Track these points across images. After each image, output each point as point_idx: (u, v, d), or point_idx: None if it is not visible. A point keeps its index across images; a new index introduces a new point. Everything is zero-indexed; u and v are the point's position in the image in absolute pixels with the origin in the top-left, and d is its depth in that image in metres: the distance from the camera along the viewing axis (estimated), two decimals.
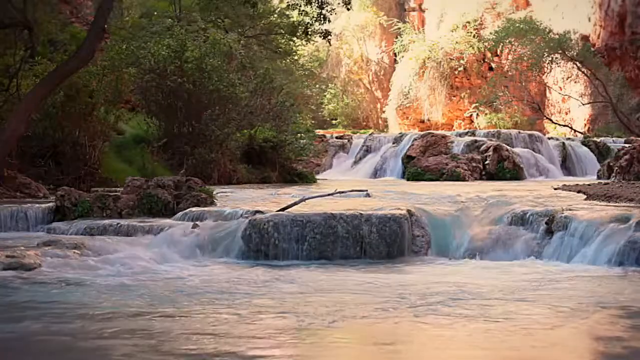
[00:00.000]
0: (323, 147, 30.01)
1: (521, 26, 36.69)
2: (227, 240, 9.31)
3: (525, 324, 5.67)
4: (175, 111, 20.26)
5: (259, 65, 25.07)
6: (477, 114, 42.03)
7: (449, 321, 5.78)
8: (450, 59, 43.42)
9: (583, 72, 35.83)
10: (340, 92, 48.66)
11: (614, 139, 29.75)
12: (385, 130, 44.64)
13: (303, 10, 21.06)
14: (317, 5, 19.80)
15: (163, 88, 20.01)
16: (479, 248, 9.41)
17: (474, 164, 24.99)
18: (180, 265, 8.43)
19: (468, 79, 43.81)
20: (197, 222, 10.04)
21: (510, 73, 39.06)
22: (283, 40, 30.07)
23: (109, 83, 17.89)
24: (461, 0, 44.07)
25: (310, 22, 21.44)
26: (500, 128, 34.14)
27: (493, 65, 43.10)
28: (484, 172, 24.98)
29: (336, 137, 32.43)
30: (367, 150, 29.66)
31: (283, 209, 10.00)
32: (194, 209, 11.11)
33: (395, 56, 47.95)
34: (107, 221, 10.75)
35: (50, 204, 11.71)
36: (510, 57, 39.48)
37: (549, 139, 29.41)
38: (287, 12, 28.50)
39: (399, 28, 47.06)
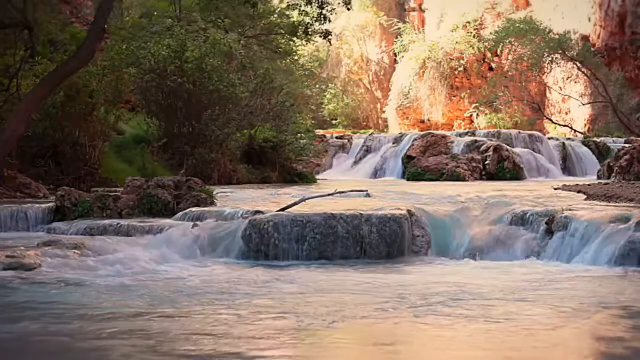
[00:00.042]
0: (323, 147, 30.00)
1: (521, 26, 36.69)
2: (227, 240, 9.30)
3: (527, 324, 5.66)
4: (175, 111, 20.25)
5: (259, 65, 25.06)
6: (477, 114, 42.02)
7: (449, 321, 5.77)
8: (450, 59, 43.42)
9: (583, 72, 35.83)
10: (340, 92, 48.66)
11: (614, 139, 29.74)
12: (385, 130, 44.64)
13: (303, 10, 21.07)
14: (317, 5, 19.80)
15: (163, 88, 20.00)
16: (479, 248, 9.41)
17: (474, 164, 24.99)
18: (180, 266, 8.43)
19: (468, 79, 43.81)
20: (197, 222, 10.03)
21: (510, 73, 39.05)
22: (283, 40, 30.06)
23: (109, 83, 17.88)
24: (461, 0, 44.06)
25: (311, 22, 21.44)
26: (500, 128, 34.14)
27: (493, 65, 43.10)
28: (484, 172, 24.98)
29: (336, 137, 32.42)
30: (367, 150, 29.65)
31: (283, 209, 9.99)
32: (194, 209, 11.10)
33: (395, 56, 47.95)
34: (107, 221, 10.74)
35: (50, 204, 11.71)
36: (510, 57, 39.47)
37: (549, 139, 29.40)
38: (287, 12, 28.52)
39: (399, 28, 47.06)
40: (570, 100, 37.74)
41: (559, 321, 5.82)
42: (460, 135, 29.10)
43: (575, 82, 37.98)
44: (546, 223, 9.42)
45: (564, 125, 37.53)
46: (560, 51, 35.01)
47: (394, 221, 9.41)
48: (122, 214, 11.47)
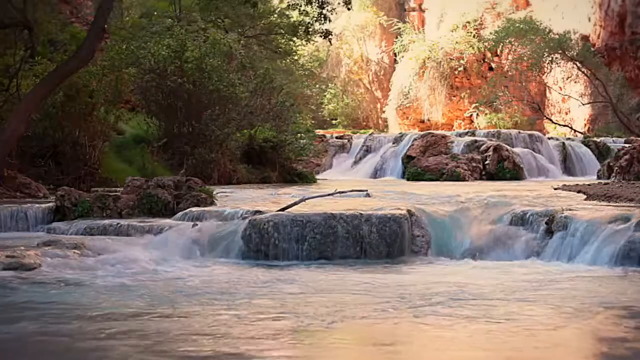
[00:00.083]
0: (323, 147, 29.99)
1: (521, 26, 36.68)
2: (227, 240, 9.30)
3: (528, 325, 5.65)
4: (175, 111, 20.25)
5: (259, 65, 25.05)
6: (477, 114, 42.02)
7: (449, 322, 5.76)
8: (450, 59, 43.41)
9: (583, 72, 35.82)
10: (340, 92, 48.65)
11: (614, 139, 29.73)
12: (385, 130, 44.63)
13: (304, 10, 21.06)
14: (317, 5, 19.79)
15: (163, 88, 19.99)
16: (479, 248, 9.40)
17: (474, 164, 24.98)
18: (180, 266, 8.42)
19: (468, 79, 43.80)
20: (197, 222, 10.03)
21: (510, 73, 39.04)
22: (283, 40, 30.06)
23: (109, 83, 17.87)
24: (461, 0, 44.05)
25: (311, 22, 21.44)
26: (500, 128, 34.13)
27: (493, 65, 43.09)
28: (484, 172, 24.97)
29: (336, 137, 32.41)
30: (367, 150, 29.64)
31: (283, 209, 9.98)
32: (194, 209, 11.09)
33: (395, 56, 47.94)
34: (107, 221, 10.74)
35: (50, 204, 11.70)
36: (510, 57, 39.47)
37: (549, 139, 29.39)
38: (287, 12, 28.50)
39: (399, 28, 47.06)
40: (570, 100, 37.73)
41: (561, 321, 5.81)
42: (460, 135, 29.10)
43: (575, 82, 37.98)
44: (546, 223, 9.41)
45: (564, 125, 37.53)
46: (560, 51, 35.00)
47: (394, 221, 9.40)
48: (122, 214, 11.47)
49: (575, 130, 36.17)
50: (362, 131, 39.33)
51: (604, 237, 8.72)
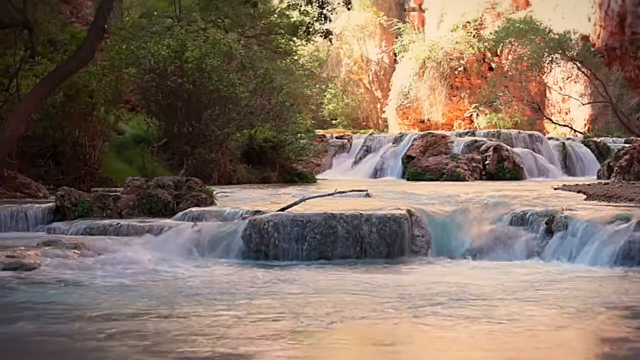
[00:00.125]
0: (323, 147, 29.98)
1: (521, 26, 36.67)
2: (227, 241, 9.29)
3: (529, 325, 5.63)
4: (175, 111, 20.24)
5: (259, 65, 25.04)
6: (477, 114, 42.01)
7: (450, 322, 5.75)
8: (450, 59, 43.40)
9: (583, 72, 35.81)
10: (340, 92, 48.64)
11: (614, 139, 29.72)
12: (385, 130, 44.62)
13: (304, 10, 21.05)
14: (317, 5, 19.78)
15: (163, 88, 19.99)
16: (479, 248, 9.40)
17: (474, 164, 24.97)
18: (179, 266, 8.41)
19: (468, 79, 43.80)
20: (197, 222, 10.02)
21: (510, 73, 39.04)
22: (283, 40, 30.05)
23: (109, 83, 17.87)
24: (461, 0, 44.05)
25: (311, 21, 21.42)
26: (500, 128, 34.12)
27: (493, 65, 43.08)
28: (484, 172, 24.96)
29: (336, 137, 32.40)
30: (367, 150, 29.64)
31: (283, 209, 9.98)
32: (194, 209, 11.09)
33: (395, 56, 47.94)
34: (107, 221, 10.73)
35: (50, 204, 11.70)
36: (510, 57, 39.46)
37: (549, 139, 29.39)
38: (287, 12, 28.49)
39: (399, 28, 47.05)
40: (570, 100, 37.73)
41: (562, 322, 5.80)
42: (460, 135, 29.09)
43: (575, 82, 37.97)
44: (546, 223, 9.41)
45: (564, 125, 37.52)
46: (560, 51, 35.00)
47: (394, 221, 9.40)
48: (122, 214, 11.46)
49: (575, 130, 36.16)
50: (362, 131, 39.32)
51: (604, 237, 8.71)
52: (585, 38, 36.84)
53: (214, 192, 12.41)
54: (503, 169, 24.90)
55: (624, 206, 10.91)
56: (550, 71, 38.09)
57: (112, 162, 18.21)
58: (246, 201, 12.90)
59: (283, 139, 22.14)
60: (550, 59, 35.76)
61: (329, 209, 9.85)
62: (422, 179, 23.79)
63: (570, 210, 9.69)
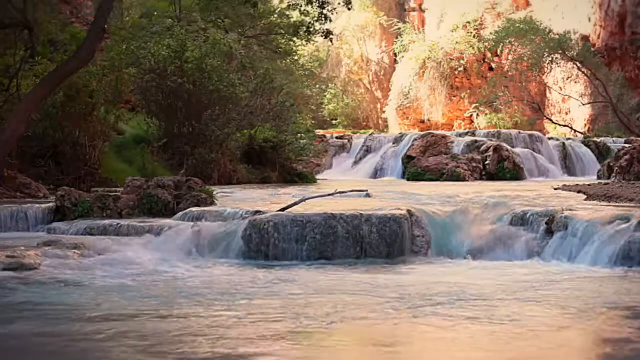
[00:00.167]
0: (323, 147, 29.98)
1: (521, 26, 36.67)
2: (227, 240, 9.29)
3: (530, 325, 5.62)
4: (175, 111, 20.24)
5: (259, 65, 25.04)
6: (477, 114, 42.01)
7: (450, 322, 5.74)
8: (450, 59, 43.40)
9: (583, 72, 35.81)
10: (340, 92, 48.64)
11: (614, 139, 29.72)
12: (385, 130, 44.62)
13: (304, 10, 21.05)
14: (317, 5, 19.78)
15: (163, 88, 19.99)
16: (479, 248, 9.40)
17: (474, 164, 24.97)
18: (179, 266, 8.41)
19: (468, 79, 43.79)
20: (197, 222, 10.02)
21: (510, 73, 39.03)
22: (283, 40, 30.04)
23: (109, 83, 17.87)
24: (461, 0, 44.04)
25: (311, 21, 21.42)
26: (500, 128, 34.12)
27: (493, 65, 43.08)
28: (484, 172, 24.97)
29: (336, 137, 32.40)
30: (367, 150, 29.64)
31: (283, 209, 9.98)
32: (194, 209, 11.09)
33: (395, 56, 47.93)
34: (107, 221, 10.73)
35: (50, 204, 11.69)
36: (510, 57, 39.46)
37: (549, 139, 29.39)
38: (287, 12, 28.49)
39: (399, 28, 47.04)
40: (570, 100, 37.73)
41: (564, 322, 5.79)
42: (460, 135, 29.09)
43: (575, 82, 37.97)
44: (546, 223, 9.41)
45: (564, 125, 37.52)
46: (560, 51, 35.00)
47: (394, 221, 9.40)
48: (122, 214, 11.46)
49: (575, 130, 36.16)
50: (362, 131, 39.32)
51: (604, 237, 8.71)
52: (585, 38, 36.84)
53: (214, 192, 12.41)
54: (503, 169, 24.90)
55: (624, 206, 10.91)
56: (550, 71, 38.09)
57: (112, 162, 18.21)
58: (246, 201, 12.90)
59: (283, 139, 22.14)
60: (550, 59, 35.76)
61: (329, 209, 9.84)
62: (422, 179, 23.79)
63: (570, 210, 9.69)
